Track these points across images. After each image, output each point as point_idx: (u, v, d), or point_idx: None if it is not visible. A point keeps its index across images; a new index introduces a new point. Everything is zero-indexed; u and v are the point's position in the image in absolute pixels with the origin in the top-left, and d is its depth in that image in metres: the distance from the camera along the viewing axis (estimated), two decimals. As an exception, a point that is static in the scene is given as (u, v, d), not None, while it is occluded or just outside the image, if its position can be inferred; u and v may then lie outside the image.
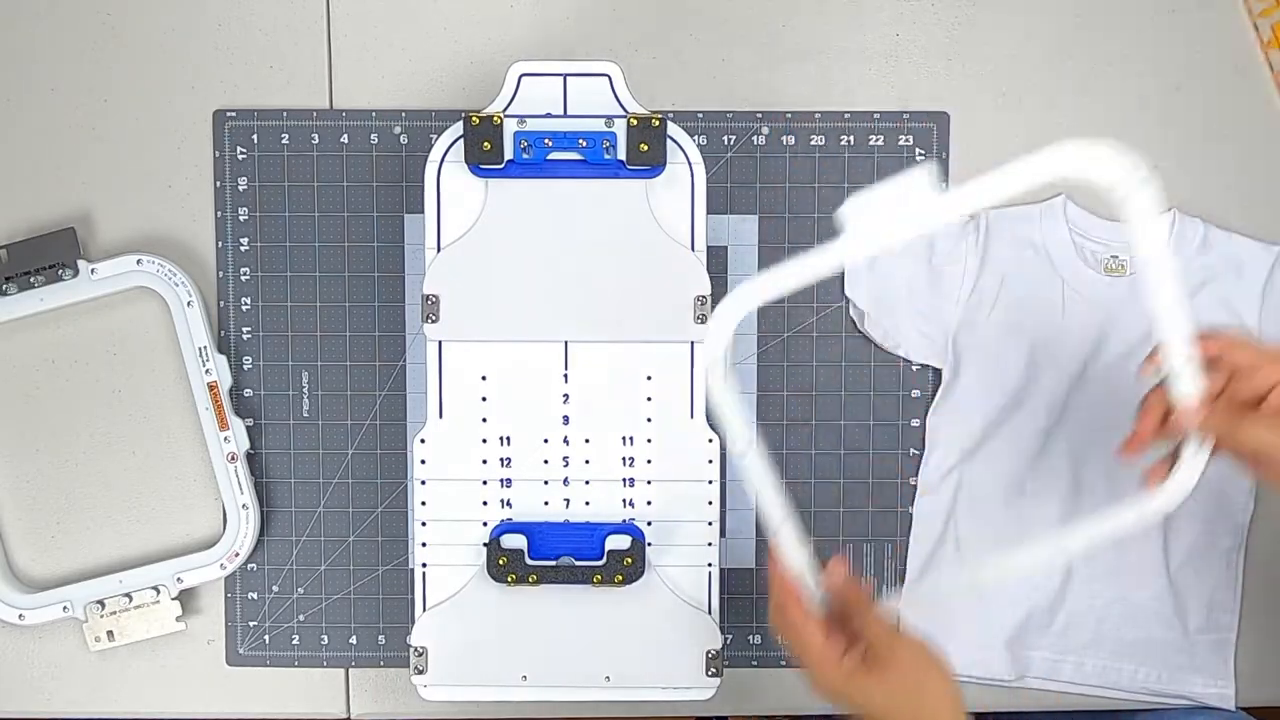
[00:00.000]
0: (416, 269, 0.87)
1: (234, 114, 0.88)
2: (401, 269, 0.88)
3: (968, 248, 0.87)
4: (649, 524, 0.79)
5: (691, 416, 0.78)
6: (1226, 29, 0.88)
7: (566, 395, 0.79)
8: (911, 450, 0.89)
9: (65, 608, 0.86)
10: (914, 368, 0.88)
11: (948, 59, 0.88)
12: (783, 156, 0.88)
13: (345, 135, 0.88)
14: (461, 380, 0.78)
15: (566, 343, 0.78)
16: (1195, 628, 0.88)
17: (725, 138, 0.88)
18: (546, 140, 0.77)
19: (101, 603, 0.86)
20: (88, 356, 0.88)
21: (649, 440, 0.78)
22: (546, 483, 0.79)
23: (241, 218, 0.88)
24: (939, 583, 0.89)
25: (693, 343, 0.78)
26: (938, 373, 0.88)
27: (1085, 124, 0.88)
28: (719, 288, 0.87)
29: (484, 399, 0.78)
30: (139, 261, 0.85)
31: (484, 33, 0.88)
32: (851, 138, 0.88)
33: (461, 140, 0.77)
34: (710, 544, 0.79)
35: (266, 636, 0.89)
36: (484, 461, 0.79)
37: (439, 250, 0.78)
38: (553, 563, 0.78)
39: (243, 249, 0.88)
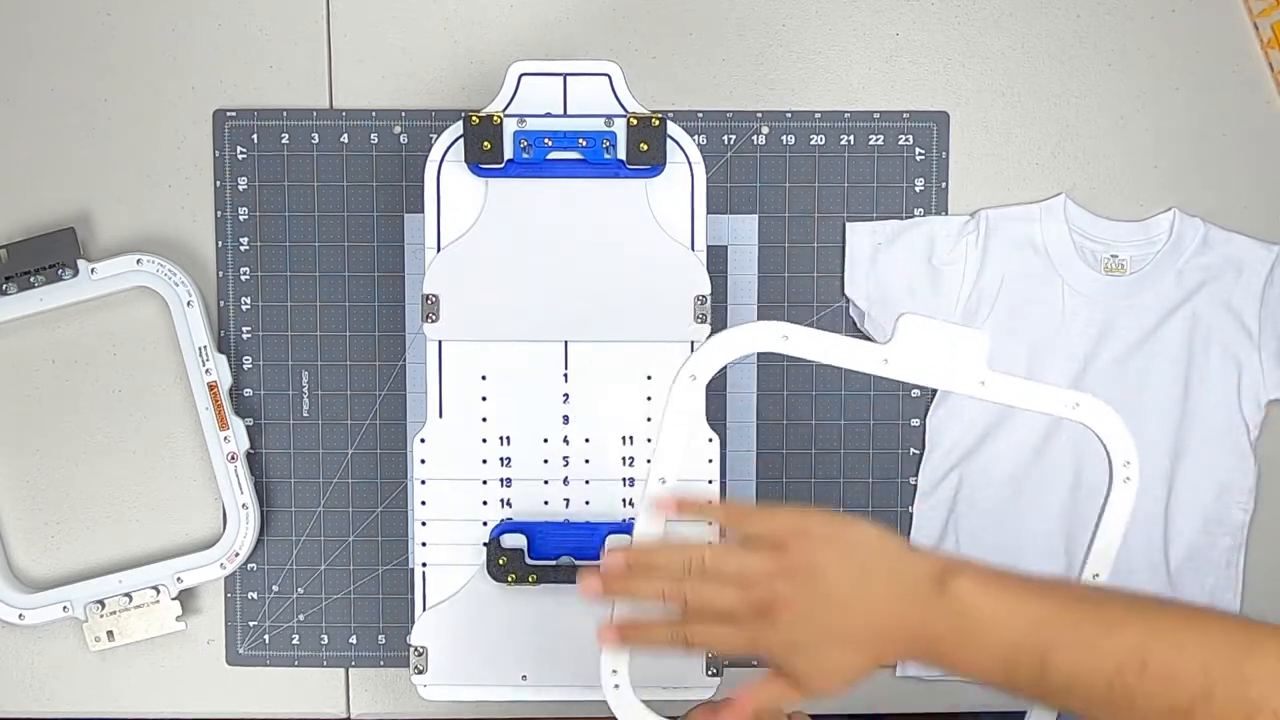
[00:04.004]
0: (416, 269, 0.87)
1: (234, 114, 0.88)
2: (401, 269, 0.88)
3: (968, 247, 0.87)
4: (649, 524, 0.79)
5: (691, 416, 0.78)
6: (1226, 29, 0.88)
7: (566, 395, 0.78)
8: (911, 450, 0.89)
9: (65, 608, 0.85)
10: (914, 368, 0.88)
11: (948, 59, 0.88)
12: (783, 156, 0.88)
13: (345, 135, 0.88)
14: (461, 380, 0.78)
15: (566, 343, 0.78)
16: (1195, 628, 0.88)
17: (725, 138, 0.88)
18: (546, 140, 0.77)
19: (101, 602, 0.85)
20: (88, 356, 0.88)
21: (649, 440, 0.78)
22: (546, 482, 0.79)
23: (241, 217, 0.88)
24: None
25: (692, 342, 0.78)
26: (938, 373, 0.88)
27: (1085, 124, 0.88)
28: (719, 287, 0.87)
29: (484, 399, 0.78)
30: (139, 261, 0.85)
31: (484, 33, 0.88)
32: (851, 138, 0.88)
33: (461, 140, 0.77)
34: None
35: (266, 636, 0.89)
36: (484, 461, 0.79)
37: (439, 250, 0.78)
38: (553, 562, 0.78)
39: (243, 249, 0.88)
